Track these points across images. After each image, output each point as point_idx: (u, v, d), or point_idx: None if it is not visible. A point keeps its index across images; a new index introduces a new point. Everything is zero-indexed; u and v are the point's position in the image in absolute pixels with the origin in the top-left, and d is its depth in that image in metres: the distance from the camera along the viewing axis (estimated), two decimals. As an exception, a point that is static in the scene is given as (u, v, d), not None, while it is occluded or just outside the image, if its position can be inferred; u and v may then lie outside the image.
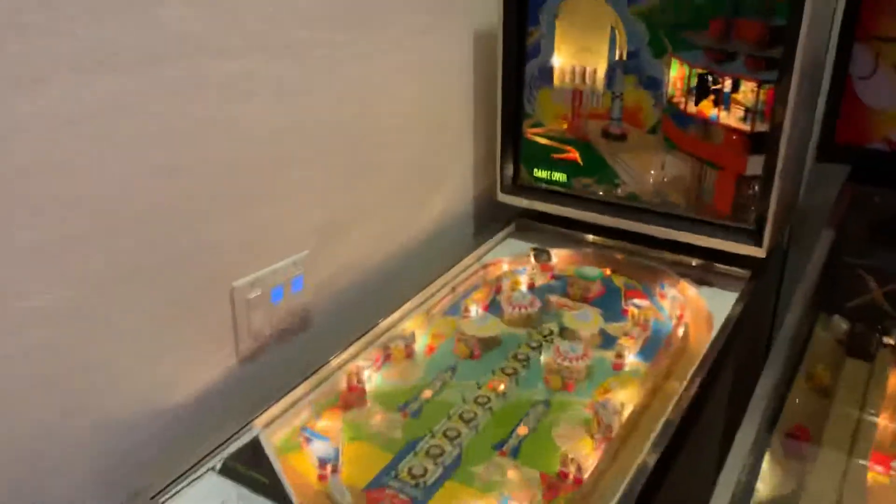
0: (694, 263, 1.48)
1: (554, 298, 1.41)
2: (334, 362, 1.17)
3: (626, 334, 1.26)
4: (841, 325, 1.16)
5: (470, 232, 1.69)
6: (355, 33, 1.23)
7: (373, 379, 1.17)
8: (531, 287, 1.46)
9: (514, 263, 1.53)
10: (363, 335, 1.22)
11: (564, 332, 1.29)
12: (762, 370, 0.94)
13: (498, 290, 1.44)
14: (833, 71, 1.27)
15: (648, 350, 1.24)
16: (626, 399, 1.11)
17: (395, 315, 1.30)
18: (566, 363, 1.16)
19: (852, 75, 1.26)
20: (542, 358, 1.22)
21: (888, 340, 1.16)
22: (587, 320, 1.29)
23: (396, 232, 1.46)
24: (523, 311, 1.33)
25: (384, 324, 1.27)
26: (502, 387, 1.15)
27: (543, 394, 1.15)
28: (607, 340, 1.27)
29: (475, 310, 1.35)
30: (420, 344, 1.27)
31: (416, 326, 1.30)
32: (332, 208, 1.28)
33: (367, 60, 1.27)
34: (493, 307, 1.38)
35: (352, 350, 1.20)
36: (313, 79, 1.17)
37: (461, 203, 1.64)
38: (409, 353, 1.24)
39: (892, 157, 1.27)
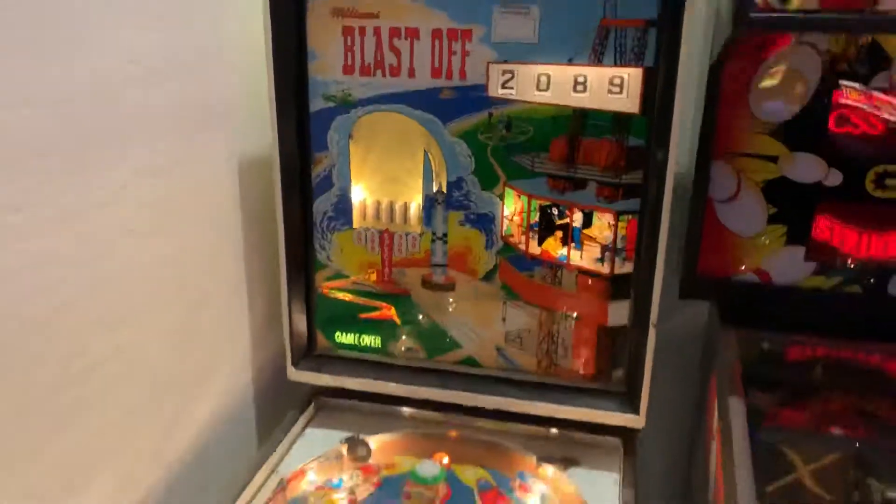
0: (550, 434, 1.17)
1: (388, 521, 1.01)
2: None
3: (502, 574, 0.90)
4: (769, 521, 0.91)
5: (253, 432, 1.23)
6: (36, 191, 0.77)
7: None
8: (353, 505, 1.04)
9: (322, 470, 1.10)
10: None
11: (416, 585, 0.89)
12: None
13: (307, 520, 1.00)
14: (692, 194, 1.07)
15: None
16: None
17: None
18: None
19: (713, 198, 1.08)
20: None
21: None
22: (446, 562, 0.91)
23: (136, 476, 0.97)
24: (353, 559, 0.92)
25: None
26: None
27: None
28: (477, 584, 0.90)
29: (279, 567, 0.91)
30: None
31: None
32: (16, 484, 0.78)
33: (59, 225, 0.81)
34: (304, 553, 0.94)
35: None
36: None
37: (236, 393, 1.19)
38: None
39: (766, 290, 1.09)
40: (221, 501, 0.99)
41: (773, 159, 1.04)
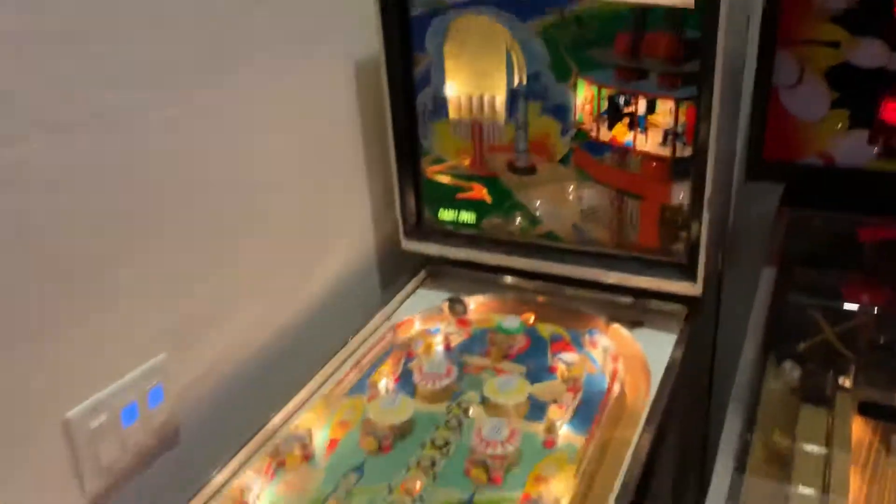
0: (623, 301, 1.33)
1: (473, 360, 1.24)
2: (215, 482, 0.97)
3: (555, 401, 1.10)
4: (793, 371, 1.03)
5: (374, 288, 1.50)
6: (195, 79, 1.02)
7: (264, 497, 0.97)
8: (447, 348, 1.28)
9: (426, 320, 1.35)
10: (247, 442, 1.03)
11: (487, 405, 1.12)
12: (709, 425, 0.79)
13: (410, 356, 1.25)
14: (756, 81, 1.14)
15: (582, 417, 1.09)
16: (561, 490, 0.95)
17: (288, 407, 1.11)
18: (490, 450, 0.99)
19: (777, 85, 1.13)
20: (464, 441, 1.05)
21: (845, 383, 1.04)
22: (511, 388, 1.12)
23: (282, 306, 1.26)
24: (438, 383, 1.15)
25: (274, 422, 1.08)
26: (418, 485, 0.97)
27: (467, 490, 0.97)
28: (535, 409, 1.11)
29: (384, 385, 1.17)
30: (320, 440, 1.07)
31: (315, 417, 1.11)
32: (193, 297, 1.07)
33: (217, 110, 1.06)
34: (404, 378, 1.20)
35: (234, 464, 1.00)
36: (144, 146, 0.95)
37: (360, 257, 1.45)
38: (307, 456, 1.04)
39: (828, 173, 1.15)
40: (343, 338, 1.26)
41: (836, 45, 1.08)
